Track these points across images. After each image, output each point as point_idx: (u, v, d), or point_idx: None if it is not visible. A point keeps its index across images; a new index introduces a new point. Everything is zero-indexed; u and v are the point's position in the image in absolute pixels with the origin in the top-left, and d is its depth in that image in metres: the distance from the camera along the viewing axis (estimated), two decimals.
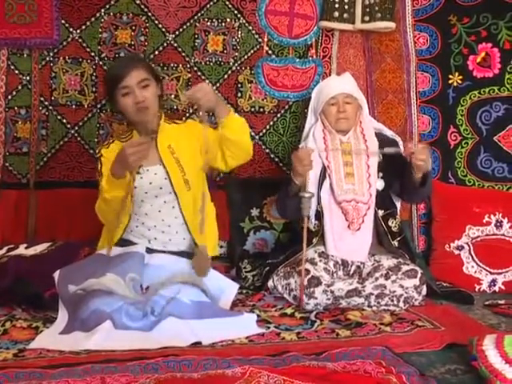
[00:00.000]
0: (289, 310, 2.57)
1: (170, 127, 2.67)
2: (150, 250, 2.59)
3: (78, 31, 3.10)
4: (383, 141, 2.89)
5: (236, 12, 3.22)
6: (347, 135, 2.90)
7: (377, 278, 2.65)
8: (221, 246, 3.11)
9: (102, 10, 3.11)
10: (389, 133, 3.00)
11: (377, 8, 3.21)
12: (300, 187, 2.71)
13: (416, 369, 1.96)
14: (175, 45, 3.19)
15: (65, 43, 3.10)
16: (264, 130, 3.29)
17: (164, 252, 2.62)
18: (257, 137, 3.28)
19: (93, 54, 3.12)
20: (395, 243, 2.83)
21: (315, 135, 2.91)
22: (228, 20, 3.22)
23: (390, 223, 2.85)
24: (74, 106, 3.14)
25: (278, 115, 3.29)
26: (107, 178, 2.47)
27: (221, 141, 2.58)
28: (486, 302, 2.80)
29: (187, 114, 3.20)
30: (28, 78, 3.07)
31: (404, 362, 2.01)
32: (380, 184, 2.86)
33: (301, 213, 2.67)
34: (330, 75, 3.25)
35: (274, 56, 3.27)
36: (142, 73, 2.57)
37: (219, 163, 2.64)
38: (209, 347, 2.14)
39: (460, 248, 3.13)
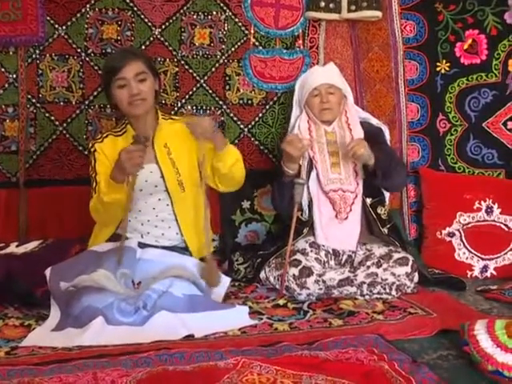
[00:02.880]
0: (281, 301, 2.58)
1: (168, 124, 2.65)
2: (142, 245, 2.59)
3: (64, 27, 3.08)
4: (369, 130, 2.90)
5: (222, 4, 3.20)
6: (332, 125, 2.91)
7: (368, 267, 2.66)
8: (213, 240, 3.10)
9: (88, 6, 3.08)
10: (375, 121, 3.01)
11: None
12: (293, 177, 2.72)
13: (408, 356, 1.97)
14: (162, 39, 3.17)
15: (51, 40, 3.07)
16: (253, 122, 3.27)
17: (156, 247, 2.61)
18: (246, 129, 3.27)
19: (79, 50, 3.10)
20: (385, 230, 2.84)
21: (300, 126, 2.92)
22: (214, 13, 3.20)
23: (378, 211, 2.86)
24: (61, 103, 3.12)
25: (267, 107, 3.28)
26: (106, 181, 2.45)
27: (214, 170, 2.59)
28: (478, 288, 2.82)
29: (176, 108, 3.19)
30: (15, 75, 3.05)
31: (396, 350, 2.02)
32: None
33: (293, 200, 2.67)
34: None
35: (261, 48, 3.25)
36: (140, 65, 2.56)
37: (211, 183, 2.64)
38: (201, 339, 2.14)
39: (451, 235, 3.14)
